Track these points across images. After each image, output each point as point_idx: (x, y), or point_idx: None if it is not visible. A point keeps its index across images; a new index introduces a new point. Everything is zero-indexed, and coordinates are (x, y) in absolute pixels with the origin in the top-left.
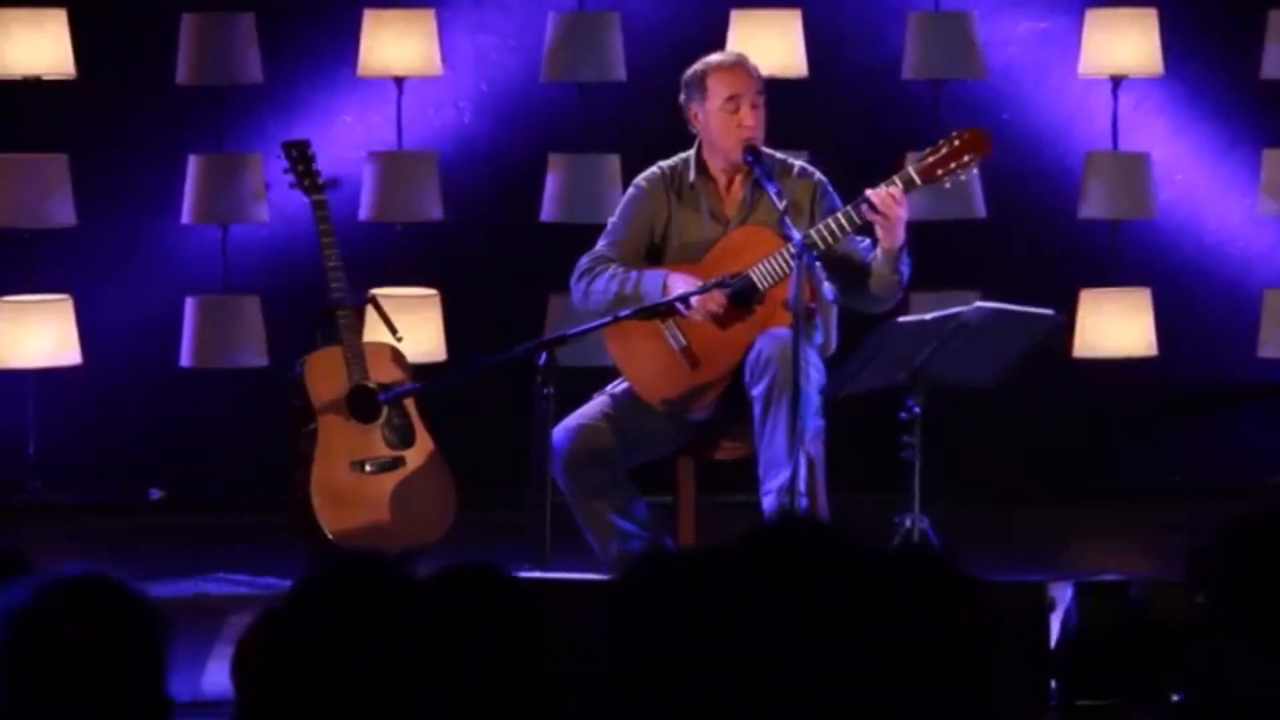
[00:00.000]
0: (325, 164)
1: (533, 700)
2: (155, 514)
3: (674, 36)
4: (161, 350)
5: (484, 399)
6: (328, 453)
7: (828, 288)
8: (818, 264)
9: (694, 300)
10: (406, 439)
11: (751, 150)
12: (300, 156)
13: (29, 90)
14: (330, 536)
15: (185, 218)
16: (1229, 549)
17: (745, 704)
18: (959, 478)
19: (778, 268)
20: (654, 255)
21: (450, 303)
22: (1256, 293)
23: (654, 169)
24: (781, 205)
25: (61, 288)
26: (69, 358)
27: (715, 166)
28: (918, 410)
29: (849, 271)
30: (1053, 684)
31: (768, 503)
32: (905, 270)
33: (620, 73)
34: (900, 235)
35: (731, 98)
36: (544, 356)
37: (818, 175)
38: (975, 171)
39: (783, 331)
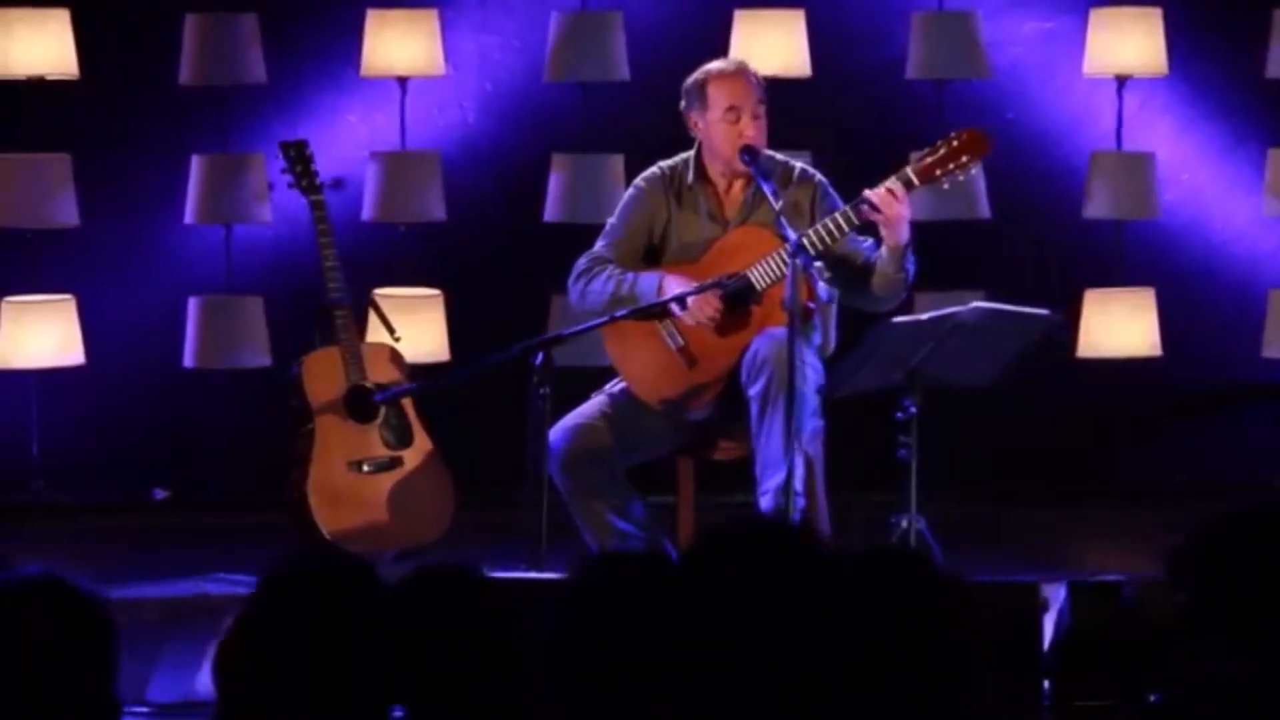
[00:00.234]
0: (329, 164)
1: (503, 698)
2: (158, 514)
3: (677, 36)
4: (164, 350)
5: (482, 399)
6: (325, 453)
7: (823, 288)
8: (818, 264)
9: (690, 302)
10: (404, 439)
11: (748, 150)
12: (298, 156)
13: (32, 90)
14: (328, 536)
15: (188, 218)
16: (1205, 548)
17: (696, 705)
18: (960, 478)
19: (775, 268)
20: (653, 256)
21: (453, 303)
22: (1262, 293)
23: (654, 169)
24: (778, 205)
25: (64, 288)
26: (72, 358)
27: (715, 171)
28: (914, 410)
29: (852, 271)
30: (1046, 684)
31: (765, 503)
32: (910, 269)
33: (623, 73)
34: (904, 233)
35: (732, 108)
36: (540, 357)
37: (818, 177)
38: (975, 172)
39: (780, 332)
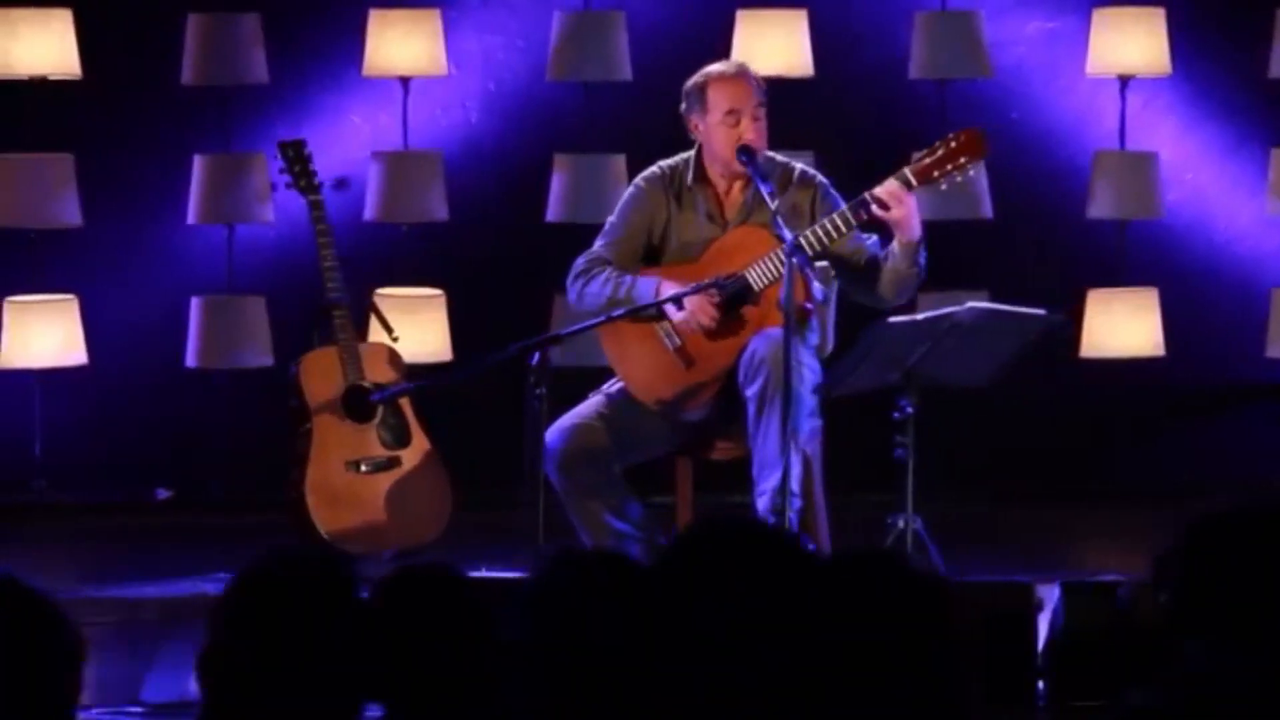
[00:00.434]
0: (332, 164)
1: (481, 697)
2: (160, 514)
3: (680, 36)
4: (166, 350)
5: (481, 399)
6: (323, 453)
7: (819, 288)
8: (821, 264)
9: (687, 307)
10: (402, 439)
11: (746, 151)
12: (297, 156)
13: (34, 90)
14: (326, 536)
15: (190, 218)
16: (1184, 548)
17: (661, 704)
18: (960, 478)
19: (773, 268)
20: (652, 255)
21: (455, 303)
22: (1265, 292)
23: (654, 169)
24: (774, 205)
25: (67, 288)
26: (74, 358)
27: (714, 173)
28: (910, 410)
29: (857, 269)
30: (1040, 684)
31: (762, 503)
32: (923, 264)
33: (626, 72)
34: (917, 228)
35: (732, 111)
36: (537, 357)
37: (819, 178)
38: (973, 173)
39: (777, 332)
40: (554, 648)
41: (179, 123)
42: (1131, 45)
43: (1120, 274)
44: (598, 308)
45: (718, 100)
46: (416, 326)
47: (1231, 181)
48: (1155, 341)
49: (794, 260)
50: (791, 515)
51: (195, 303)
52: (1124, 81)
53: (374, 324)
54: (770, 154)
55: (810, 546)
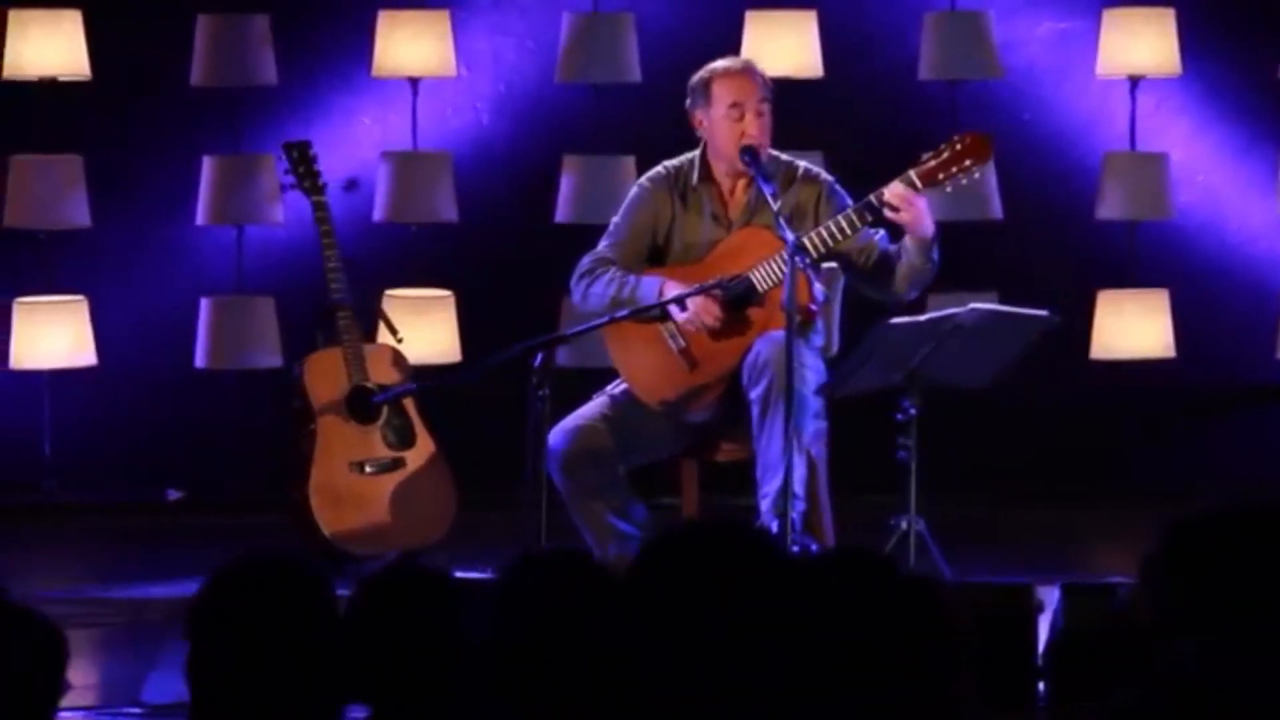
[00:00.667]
0: (342, 165)
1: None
2: (170, 514)
3: (689, 38)
4: (176, 351)
5: (486, 400)
6: (327, 454)
7: (819, 289)
8: (828, 265)
9: (690, 306)
10: (407, 440)
11: (749, 151)
12: (301, 157)
13: (44, 91)
14: (329, 537)
15: (200, 219)
16: (1166, 550)
17: (627, 707)
18: (968, 480)
19: (777, 270)
20: (656, 256)
21: (464, 304)
22: (1277, 294)
23: (658, 169)
24: (776, 206)
25: (76, 289)
26: (84, 358)
27: (719, 171)
28: (914, 412)
29: (867, 266)
30: (1040, 686)
31: (765, 506)
32: (936, 259)
33: (635, 74)
34: (929, 226)
35: (735, 104)
36: (539, 358)
37: (824, 177)
38: (978, 175)
39: (781, 335)
40: (516, 649)
41: (188, 124)
42: (1141, 46)
43: (1131, 275)
44: (602, 308)
45: (722, 94)
46: (425, 327)
47: (1244, 183)
48: (1166, 343)
49: (796, 262)
50: (794, 517)
51: (205, 303)
52: (1134, 82)
53: (382, 326)
54: (774, 152)
55: (814, 548)
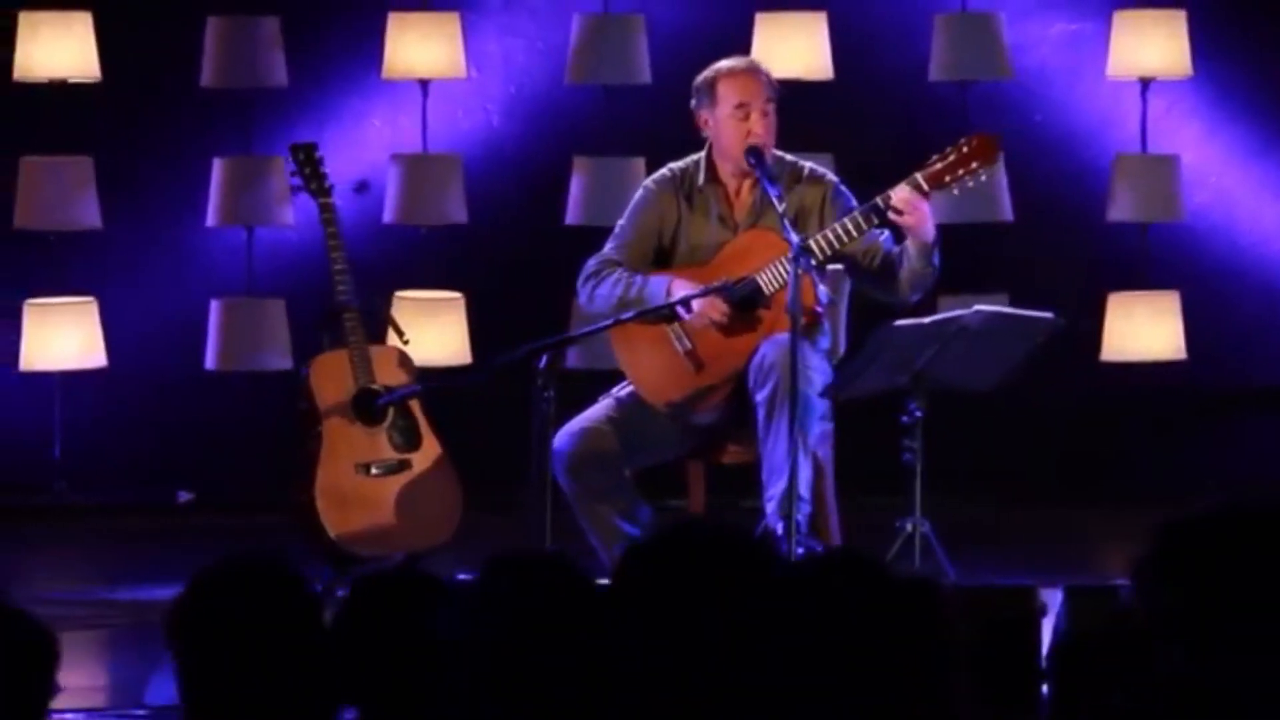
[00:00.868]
0: (352, 167)
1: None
2: (180, 515)
3: (699, 39)
4: (186, 353)
5: (492, 401)
6: (333, 455)
7: (823, 291)
8: (834, 266)
9: (695, 306)
10: (413, 442)
11: (754, 152)
12: (308, 159)
13: (54, 93)
14: (335, 539)
15: (210, 220)
16: (1157, 553)
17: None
18: (978, 482)
19: (783, 272)
20: (662, 258)
21: (474, 306)
22: None
23: (664, 171)
24: (781, 208)
25: (86, 290)
26: (94, 360)
27: (725, 171)
28: (919, 414)
29: (872, 267)
30: (1044, 689)
31: (771, 508)
32: (938, 263)
33: (645, 76)
34: (931, 231)
35: (741, 105)
36: (544, 360)
37: (830, 177)
38: (985, 178)
39: (787, 338)
40: (488, 651)
41: (198, 126)
42: (1152, 47)
43: (1142, 277)
44: (609, 309)
45: (727, 94)
46: (435, 329)
47: (1255, 184)
48: (1177, 345)
49: (800, 264)
50: (800, 519)
51: (215, 305)
52: (1145, 84)
53: (400, 327)
54: (779, 153)
55: (819, 549)
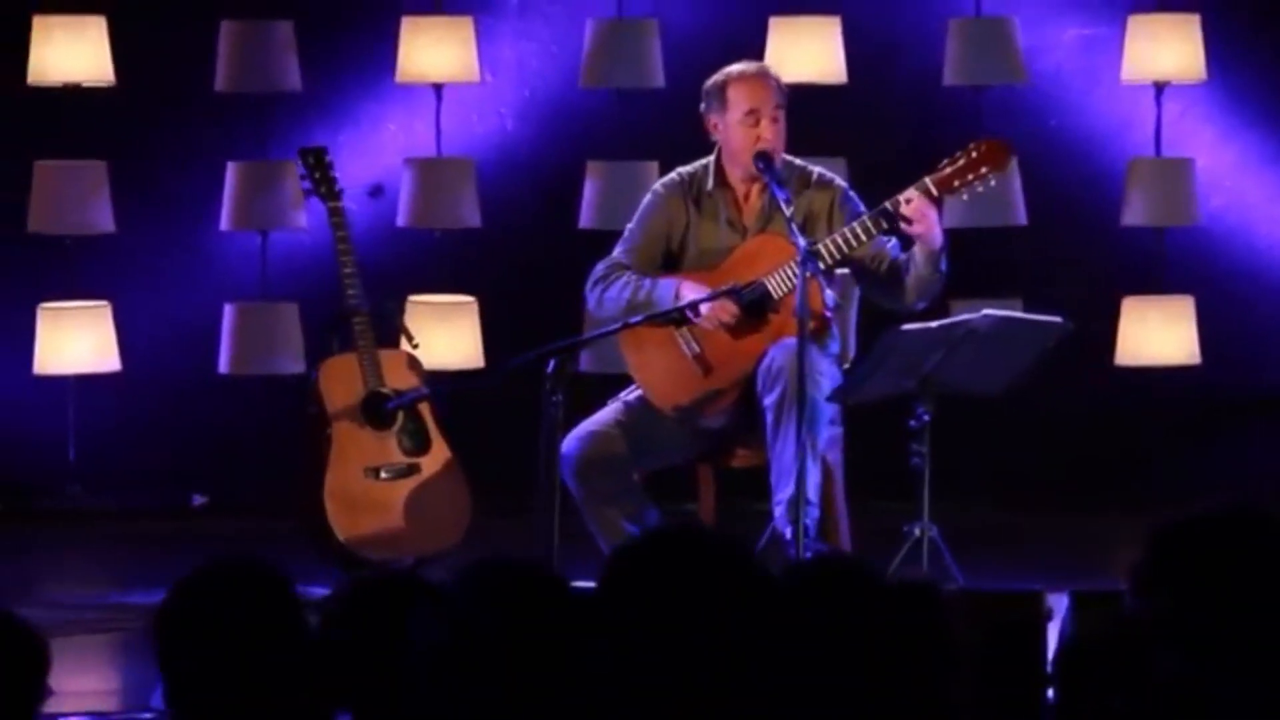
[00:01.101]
0: (366, 171)
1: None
2: (194, 519)
3: (712, 43)
4: (200, 357)
5: (502, 405)
6: (342, 459)
7: (830, 295)
8: (841, 271)
9: (704, 308)
10: (422, 446)
11: (763, 157)
12: (317, 163)
13: (69, 97)
14: (344, 542)
15: (224, 225)
16: (1150, 557)
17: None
18: (994, 486)
19: (792, 277)
20: (671, 262)
21: (487, 310)
22: None
23: (673, 175)
24: (789, 212)
25: (101, 294)
26: (108, 364)
27: (734, 176)
28: (927, 418)
29: (878, 274)
30: (1049, 694)
31: (779, 512)
32: (945, 269)
33: (658, 80)
34: (939, 237)
35: (751, 111)
36: (553, 364)
37: (838, 182)
38: (993, 182)
39: (795, 342)
40: (461, 655)
41: (213, 130)
42: (1167, 52)
43: (1156, 282)
44: (618, 312)
45: (737, 99)
46: (448, 333)
47: (1270, 189)
48: (1191, 350)
49: (806, 268)
50: (808, 524)
51: (228, 309)
52: (1159, 88)
53: (409, 331)
54: (788, 157)
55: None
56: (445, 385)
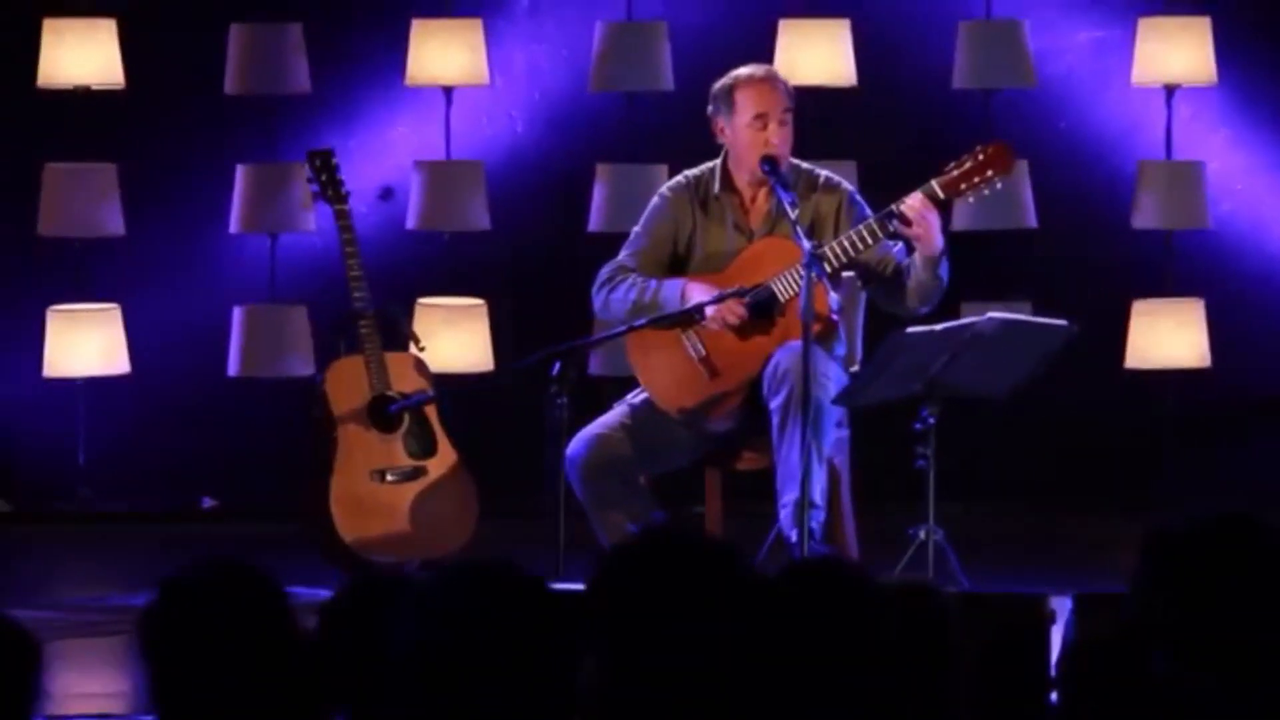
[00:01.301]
0: (376, 174)
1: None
2: (203, 522)
3: (722, 46)
4: (209, 359)
5: (509, 408)
6: (348, 462)
7: (834, 298)
8: (847, 274)
9: (710, 311)
10: (428, 449)
11: (769, 160)
12: (324, 166)
13: (78, 100)
14: (350, 545)
15: (233, 227)
16: (1143, 561)
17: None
18: (1004, 489)
19: (798, 280)
20: (678, 265)
21: (497, 313)
22: None
23: (679, 178)
24: (794, 215)
25: (110, 297)
26: (118, 366)
27: (740, 179)
28: (932, 421)
29: (883, 278)
30: (1053, 697)
31: (785, 515)
32: (945, 275)
33: (668, 83)
34: (938, 242)
35: (760, 116)
36: (557, 366)
37: (845, 186)
38: (999, 185)
39: (801, 345)
40: (432, 653)
41: (222, 132)
42: (1177, 54)
43: (1166, 285)
44: (624, 315)
45: (745, 103)
46: (457, 336)
47: None
48: (1200, 353)
49: (811, 271)
50: (814, 527)
51: (237, 312)
52: (1170, 91)
53: (415, 334)
54: (795, 161)
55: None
56: (450, 388)
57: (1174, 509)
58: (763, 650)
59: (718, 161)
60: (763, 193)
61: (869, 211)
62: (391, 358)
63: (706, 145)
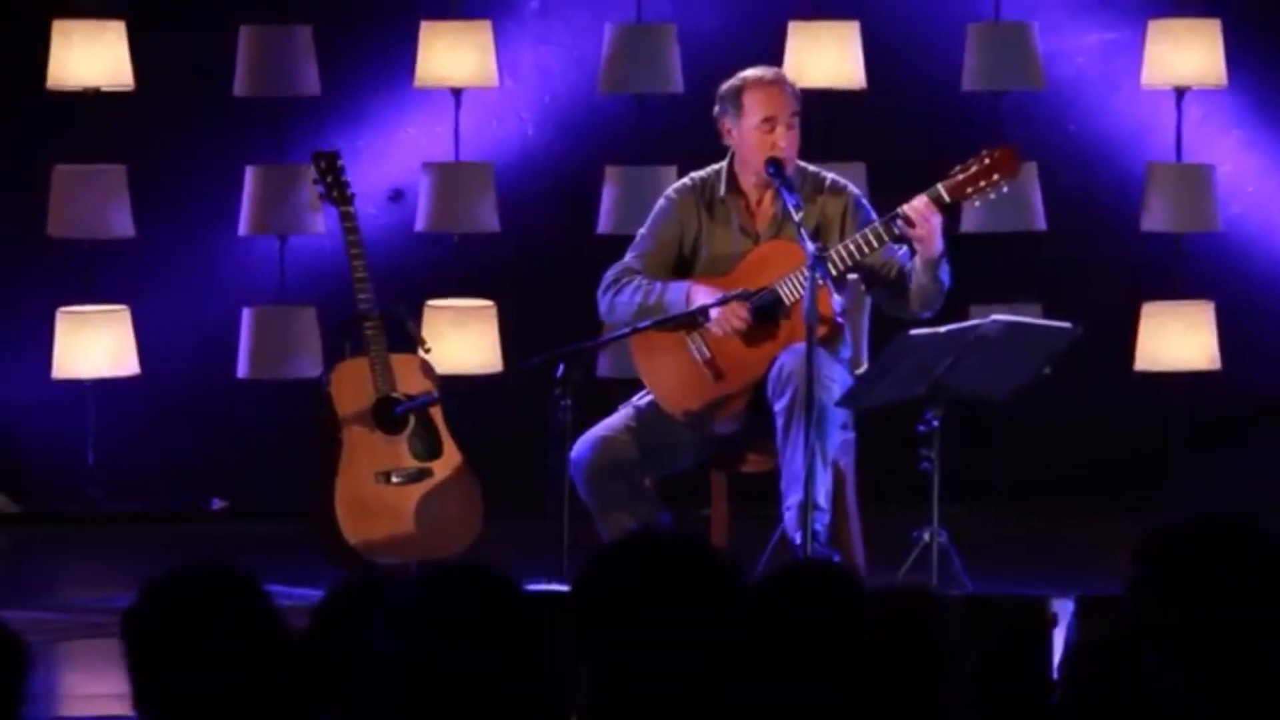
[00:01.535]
0: (386, 176)
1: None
2: (213, 523)
3: (731, 48)
4: (219, 361)
5: (514, 410)
6: (353, 464)
7: (838, 300)
8: (851, 277)
9: (715, 313)
10: (434, 450)
11: (774, 162)
12: (329, 167)
13: (87, 101)
14: (354, 547)
15: (242, 229)
16: (1137, 562)
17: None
18: (1009, 491)
19: (804, 282)
20: (683, 268)
21: (506, 314)
22: None
23: (685, 180)
24: (798, 217)
25: (119, 298)
26: (127, 368)
27: (747, 182)
28: (936, 423)
29: (888, 281)
30: (1054, 699)
31: (789, 517)
32: (945, 279)
33: (677, 85)
34: (938, 245)
35: (768, 119)
36: (562, 368)
37: (850, 188)
38: (1005, 189)
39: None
40: (413, 661)
41: (231, 134)
42: (1187, 57)
43: (1175, 287)
44: (629, 317)
45: (754, 106)
46: (467, 338)
47: None
48: (1210, 355)
49: (815, 274)
50: (818, 529)
51: (247, 313)
52: (1179, 93)
53: (421, 335)
54: (801, 164)
55: (836, 558)
56: (455, 389)
57: (1183, 512)
58: (745, 652)
59: (724, 164)
60: (768, 195)
61: (875, 215)
62: (397, 359)
63: (716, 147)
